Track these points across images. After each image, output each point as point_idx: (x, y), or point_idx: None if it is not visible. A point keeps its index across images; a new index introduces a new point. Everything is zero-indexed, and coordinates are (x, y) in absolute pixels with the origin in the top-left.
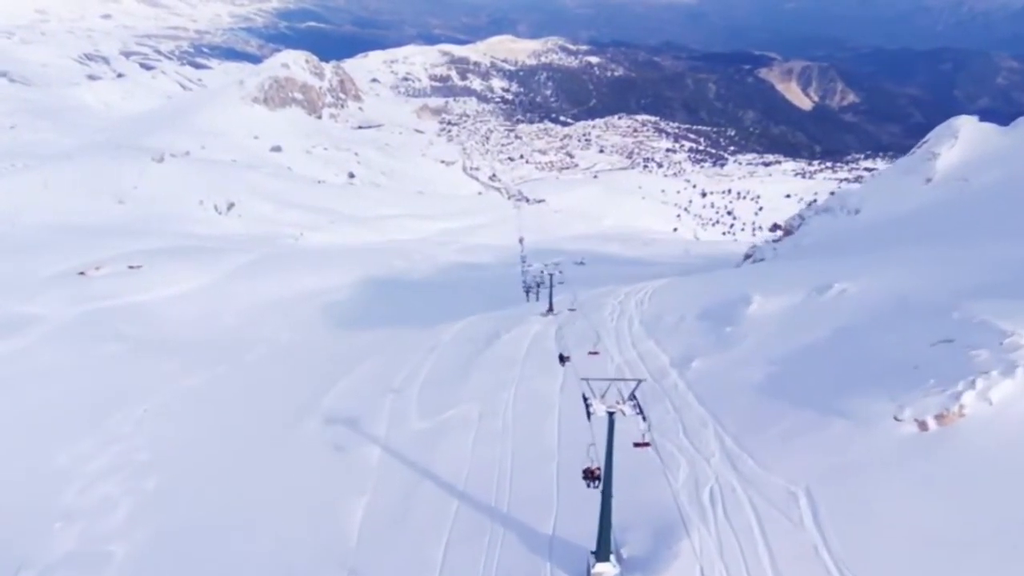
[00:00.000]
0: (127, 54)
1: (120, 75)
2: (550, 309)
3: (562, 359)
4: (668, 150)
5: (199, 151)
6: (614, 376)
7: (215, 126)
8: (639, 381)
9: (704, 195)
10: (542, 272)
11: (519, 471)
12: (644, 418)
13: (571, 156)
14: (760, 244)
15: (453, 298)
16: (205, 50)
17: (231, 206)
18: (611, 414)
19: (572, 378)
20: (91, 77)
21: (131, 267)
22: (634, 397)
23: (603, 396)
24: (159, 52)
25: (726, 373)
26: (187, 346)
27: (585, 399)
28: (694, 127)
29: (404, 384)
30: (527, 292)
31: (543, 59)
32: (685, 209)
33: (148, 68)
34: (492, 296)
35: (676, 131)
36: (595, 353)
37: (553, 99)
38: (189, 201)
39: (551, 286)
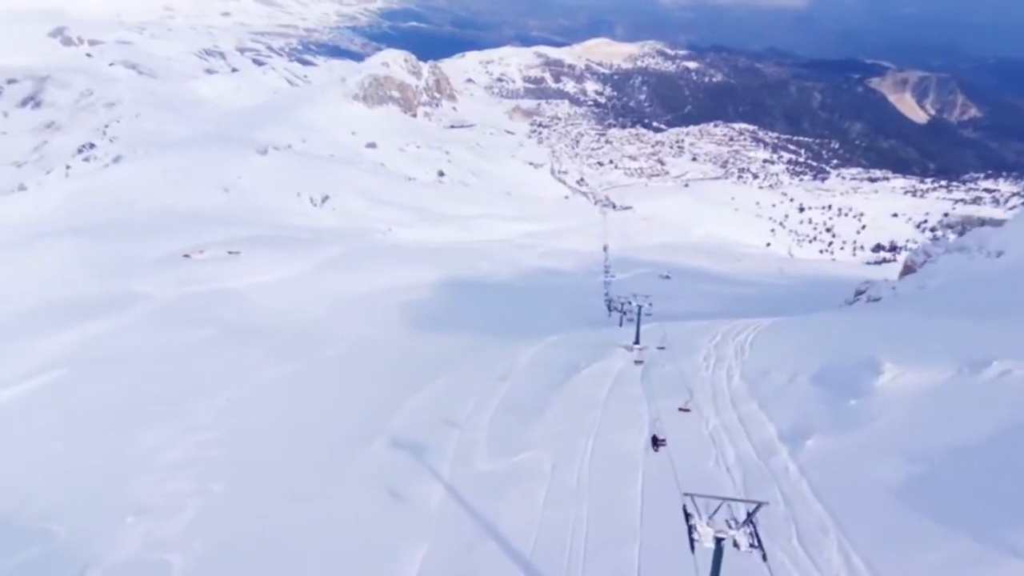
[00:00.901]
0: (242, 50)
1: (234, 70)
2: (636, 342)
3: (656, 442)
4: (765, 161)
5: (300, 145)
6: (708, 447)
7: (316, 121)
8: (759, 504)
9: (802, 210)
10: (629, 302)
11: (594, 551)
12: (764, 556)
13: (662, 163)
14: (877, 281)
15: (533, 305)
16: (312, 47)
17: (325, 199)
18: (719, 540)
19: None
20: (208, 71)
21: (230, 253)
22: (752, 523)
23: (711, 516)
24: (271, 49)
25: (851, 462)
26: (273, 335)
27: (687, 518)
28: (795, 138)
29: (474, 413)
30: (609, 306)
31: (639, 63)
32: (780, 224)
33: (260, 64)
34: (573, 306)
35: (775, 141)
36: (686, 410)
37: (647, 104)
38: (287, 193)
39: (639, 318)
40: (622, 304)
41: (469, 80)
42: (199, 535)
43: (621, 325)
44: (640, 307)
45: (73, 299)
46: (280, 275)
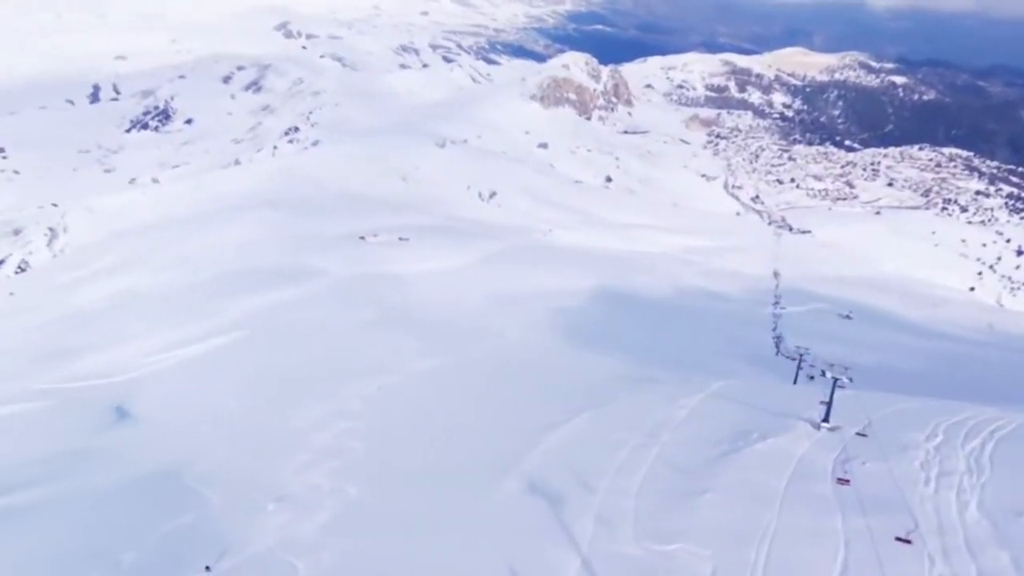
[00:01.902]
0: (434, 47)
1: (425, 66)
2: (825, 420)
3: None
4: (979, 193)
5: (476, 141)
6: None
7: (493, 119)
8: None
9: (1020, 253)
10: (823, 373)
11: None
12: None
13: (851, 186)
14: None
15: (691, 331)
16: (499, 47)
17: (493, 195)
18: None
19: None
20: (402, 66)
21: (400, 239)
22: None
23: None
24: (460, 47)
25: None
26: (427, 324)
27: None
28: (1019, 168)
29: (620, 472)
30: (777, 344)
31: (836, 75)
32: (991, 267)
33: (448, 61)
34: (734, 338)
35: (994, 171)
36: (906, 541)
37: (840, 120)
38: (459, 186)
39: (832, 392)
40: (801, 356)
41: (648, 86)
42: (328, 544)
43: (796, 381)
44: (836, 380)
45: (261, 268)
46: (442, 265)
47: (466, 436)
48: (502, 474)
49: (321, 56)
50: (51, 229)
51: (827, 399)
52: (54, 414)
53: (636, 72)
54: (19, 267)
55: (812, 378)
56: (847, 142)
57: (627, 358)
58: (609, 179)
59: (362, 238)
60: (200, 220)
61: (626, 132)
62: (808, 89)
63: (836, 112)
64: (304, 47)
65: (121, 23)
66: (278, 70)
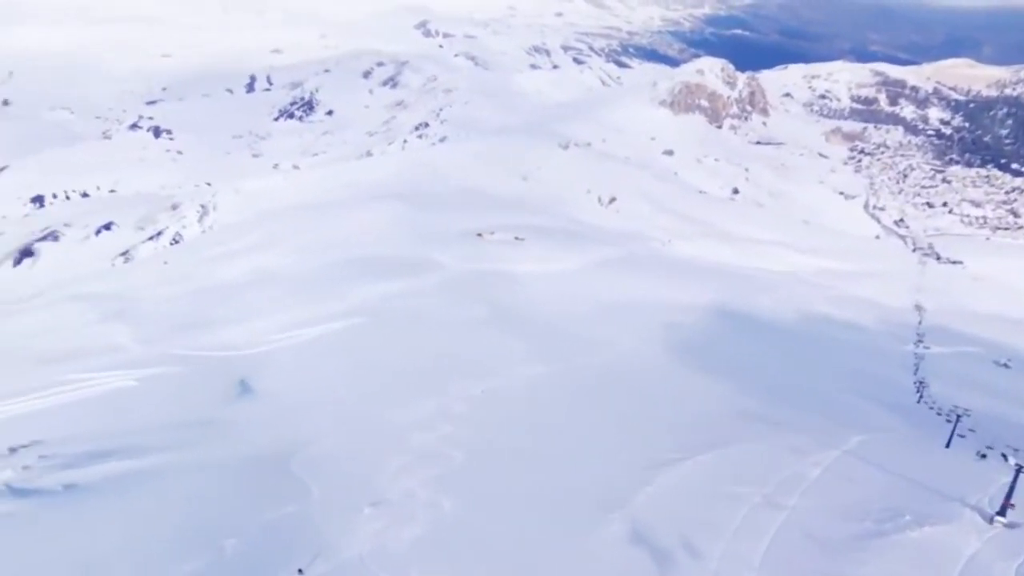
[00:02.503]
0: (566, 48)
1: (555, 67)
2: (1001, 513)
3: None
4: None
5: (600, 144)
6: None
7: (619, 122)
8: None
9: None
10: (1004, 457)
11: None
12: None
13: (1016, 215)
14: None
15: (818, 365)
16: (631, 50)
17: (612, 200)
18: None
19: None
20: (532, 66)
21: (517, 238)
22: None
23: None
24: (592, 49)
25: None
26: (537, 326)
27: None
28: None
29: (738, 538)
30: (920, 390)
31: (1007, 91)
32: None
33: (579, 63)
34: (867, 377)
35: None
36: None
37: (1008, 141)
38: (578, 189)
39: (1015, 481)
40: (957, 417)
41: (787, 95)
42: (417, 562)
43: (949, 444)
44: (1021, 468)
45: (383, 257)
46: (556, 267)
47: (570, 460)
48: (606, 513)
49: (455, 55)
50: (203, 206)
51: (1008, 485)
52: (189, 380)
53: (775, 80)
54: (174, 239)
55: (983, 456)
56: (1014, 165)
57: (746, 390)
58: (736, 191)
59: (480, 235)
60: (332, 207)
61: (759, 143)
62: (972, 105)
63: (1004, 132)
64: (441, 46)
65: (278, 20)
66: (414, 67)
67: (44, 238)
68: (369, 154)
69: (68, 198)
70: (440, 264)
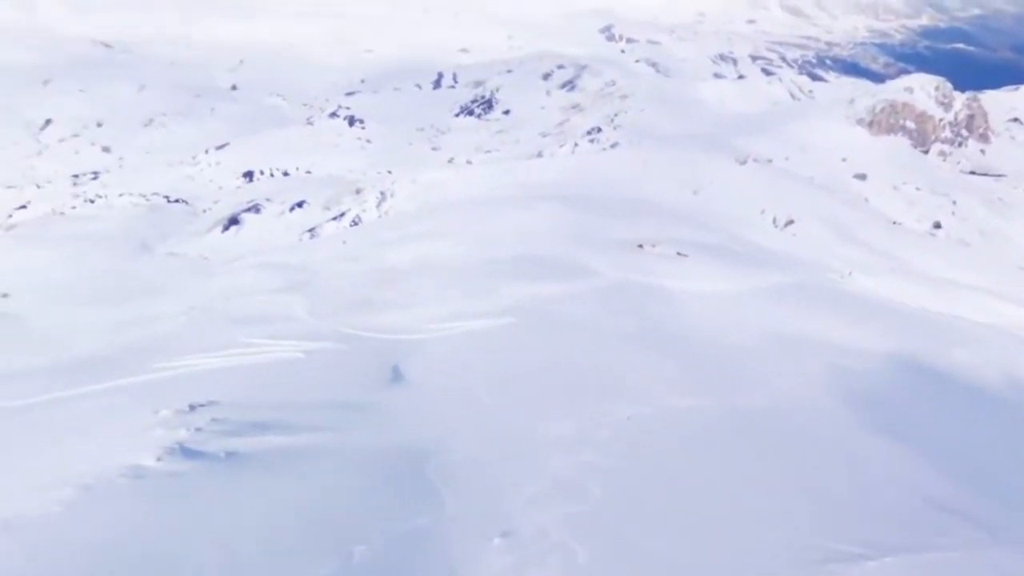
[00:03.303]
0: (754, 57)
1: (741, 76)
2: None
3: None
4: None
5: (782, 161)
6: None
7: (807, 140)
8: None
9: None
10: None
11: None
12: None
13: None
14: None
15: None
16: (827, 62)
17: (789, 223)
18: None
19: None
20: (716, 75)
21: (679, 254)
22: None
23: None
24: (783, 59)
25: None
26: (691, 352)
27: None
28: None
29: None
30: None
31: None
32: None
33: (768, 73)
34: None
35: None
36: None
37: None
38: (753, 207)
39: None
40: None
41: (1014, 119)
42: None
43: None
44: None
45: (540, 257)
46: (719, 288)
47: (725, 529)
48: None
49: (636, 60)
50: (382, 193)
51: None
52: (349, 358)
53: (1001, 102)
54: (353, 221)
55: None
56: None
57: (942, 471)
58: (938, 225)
59: (640, 246)
60: (498, 203)
61: (973, 172)
62: None
63: None
64: (622, 51)
65: (469, 20)
66: (593, 71)
67: (249, 209)
68: (540, 155)
69: (272, 175)
70: (595, 271)
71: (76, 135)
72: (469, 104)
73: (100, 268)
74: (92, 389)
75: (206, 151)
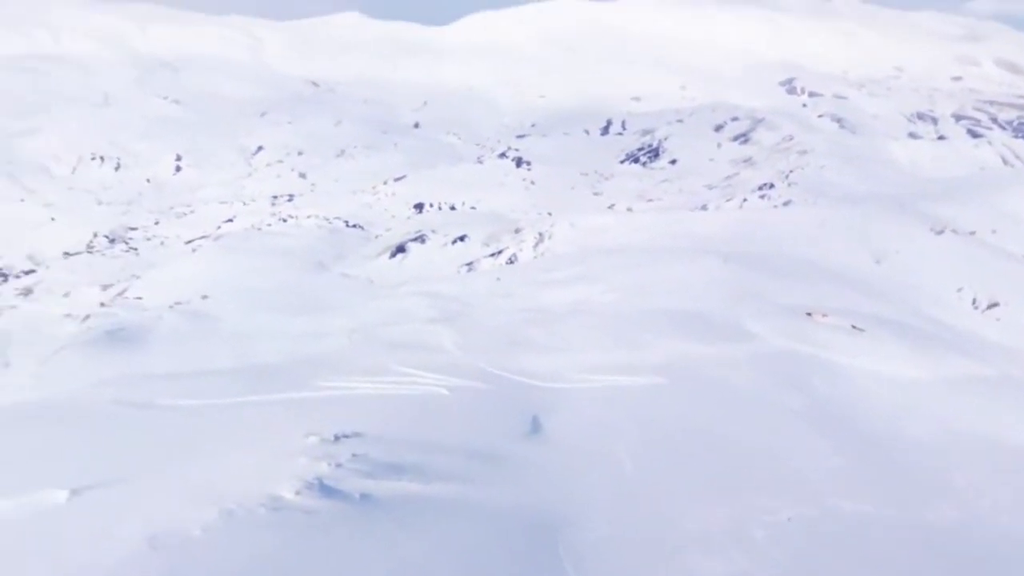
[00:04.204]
0: (958, 117)
1: (941, 137)
2: None
3: None
4: None
5: (987, 234)
6: None
7: (1019, 211)
8: None
9: None
10: None
11: None
12: None
13: None
14: None
15: None
16: None
17: (993, 305)
18: None
19: None
20: (911, 135)
21: (854, 327)
22: None
23: None
24: (994, 120)
25: None
26: (866, 443)
27: None
28: None
29: None
30: None
31: None
32: None
33: (975, 135)
34: None
35: None
36: None
37: None
38: (948, 284)
39: None
40: None
41: None
42: None
43: None
44: None
45: (695, 314)
46: (901, 372)
47: None
48: None
49: (819, 115)
50: (540, 234)
51: None
52: (490, 401)
53: None
54: (510, 259)
55: None
56: None
57: None
58: None
59: (809, 314)
60: (656, 253)
61: None
62: None
63: None
64: (804, 104)
65: (643, 69)
66: (770, 124)
67: (415, 239)
68: (704, 207)
69: (440, 209)
70: (756, 336)
71: (280, 161)
72: (635, 151)
73: (284, 281)
74: (258, 399)
75: (385, 182)
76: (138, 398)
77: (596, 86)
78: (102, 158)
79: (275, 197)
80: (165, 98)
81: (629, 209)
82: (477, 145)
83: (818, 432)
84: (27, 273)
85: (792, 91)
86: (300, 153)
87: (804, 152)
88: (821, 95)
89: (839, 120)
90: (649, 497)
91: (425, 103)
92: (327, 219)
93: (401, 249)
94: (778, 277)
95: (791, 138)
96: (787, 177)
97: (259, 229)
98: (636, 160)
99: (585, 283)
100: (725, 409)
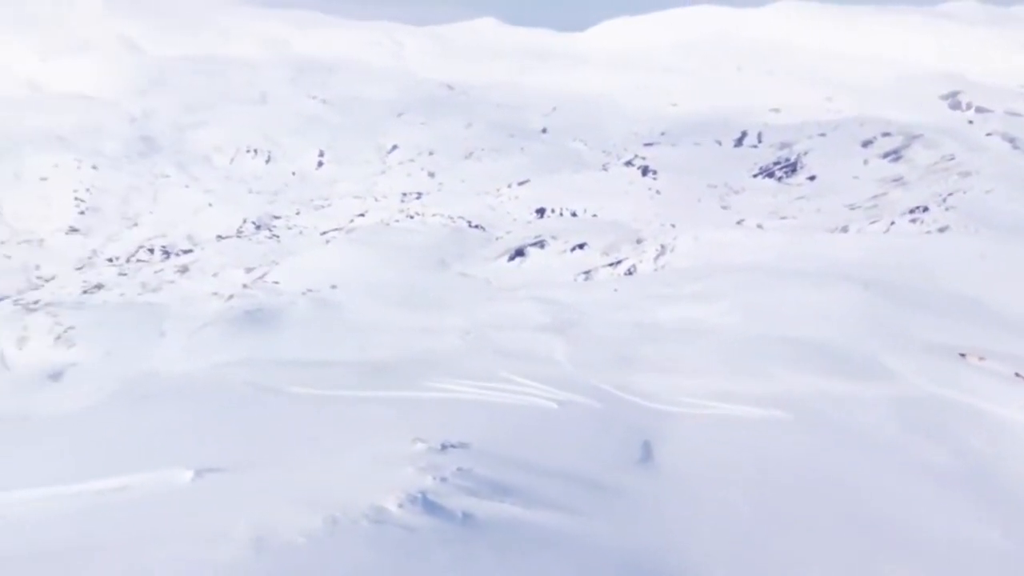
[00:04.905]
0: None
1: None
2: None
3: None
4: None
5: None
6: None
7: None
8: None
9: None
10: None
11: None
12: None
13: None
14: None
15: None
16: None
17: None
18: None
19: None
20: None
21: (1017, 375)
22: None
23: None
24: None
25: None
26: (1016, 506)
27: None
28: None
29: None
30: None
31: None
32: None
33: None
34: None
35: None
36: None
37: None
38: None
39: None
40: None
41: None
42: None
43: None
44: None
45: (826, 346)
46: None
47: None
48: None
49: (988, 134)
50: (662, 246)
51: None
52: (599, 420)
53: None
54: (628, 270)
55: None
56: None
57: None
58: None
59: (963, 355)
60: (787, 276)
61: None
62: None
63: None
64: (970, 121)
65: (785, 79)
66: (927, 142)
67: (535, 244)
68: (845, 229)
69: (561, 215)
70: (894, 375)
71: (412, 160)
72: (771, 165)
73: (407, 276)
74: (372, 395)
75: (509, 185)
76: (267, 382)
77: (732, 96)
78: (256, 151)
79: (404, 194)
80: (314, 98)
81: (759, 226)
82: (603, 152)
83: (967, 495)
84: (185, 252)
85: (956, 106)
86: (431, 153)
87: (967, 174)
88: (991, 111)
89: (1012, 140)
90: (768, 551)
91: (554, 108)
92: (451, 218)
93: (520, 253)
94: (927, 312)
95: (952, 157)
96: (944, 200)
97: (388, 225)
98: (771, 175)
99: (706, 301)
100: (856, 456)
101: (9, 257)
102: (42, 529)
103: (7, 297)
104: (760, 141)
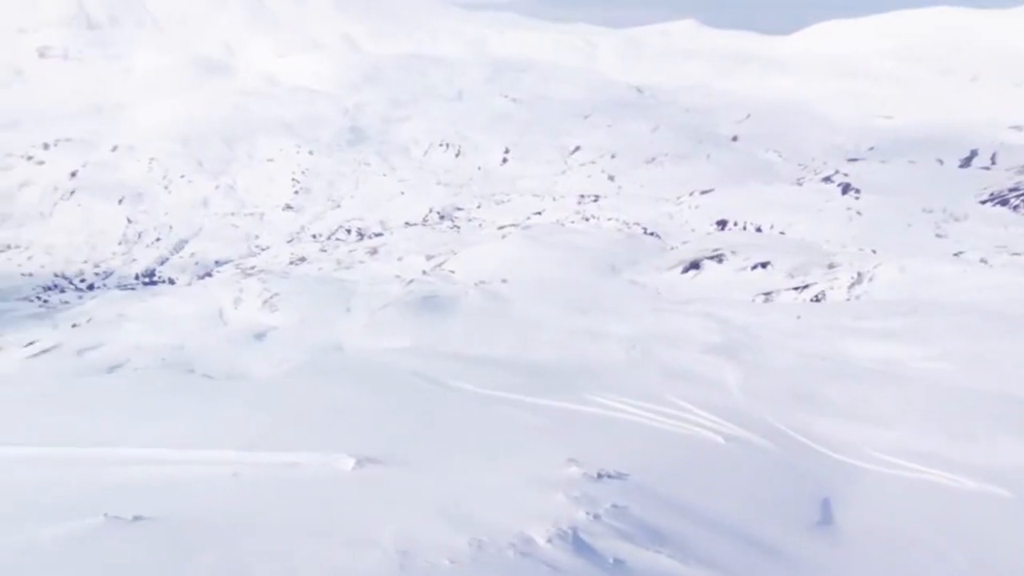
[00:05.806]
0: None
1: None
2: None
3: None
4: None
5: None
6: None
7: None
8: None
9: None
10: None
11: None
12: None
13: None
14: None
15: None
16: None
17: None
18: None
19: None
20: None
21: None
22: None
23: None
24: None
25: None
26: None
27: None
28: None
29: None
30: None
31: None
32: None
33: None
34: None
35: None
36: None
37: None
38: None
39: None
40: None
41: None
42: None
43: None
44: None
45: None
46: None
47: None
48: None
49: None
50: (859, 274)
51: None
52: (775, 465)
53: None
54: (816, 296)
55: None
56: None
57: None
58: None
59: None
60: (1013, 321)
61: None
62: None
63: None
64: None
65: None
66: None
67: (712, 257)
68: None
69: (744, 229)
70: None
71: (593, 162)
72: (1004, 192)
73: (575, 278)
74: (531, 401)
75: (691, 193)
76: (432, 373)
77: (960, 109)
78: (447, 145)
79: (582, 196)
80: (506, 96)
81: (983, 260)
82: (799, 165)
83: None
84: (377, 235)
85: None
86: (613, 156)
87: None
88: None
89: None
90: None
91: (748, 115)
92: (626, 223)
93: (695, 265)
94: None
95: None
96: None
97: (562, 225)
98: (1004, 202)
99: (908, 342)
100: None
101: (236, 227)
102: (207, 496)
103: (231, 260)
104: (994, 162)
